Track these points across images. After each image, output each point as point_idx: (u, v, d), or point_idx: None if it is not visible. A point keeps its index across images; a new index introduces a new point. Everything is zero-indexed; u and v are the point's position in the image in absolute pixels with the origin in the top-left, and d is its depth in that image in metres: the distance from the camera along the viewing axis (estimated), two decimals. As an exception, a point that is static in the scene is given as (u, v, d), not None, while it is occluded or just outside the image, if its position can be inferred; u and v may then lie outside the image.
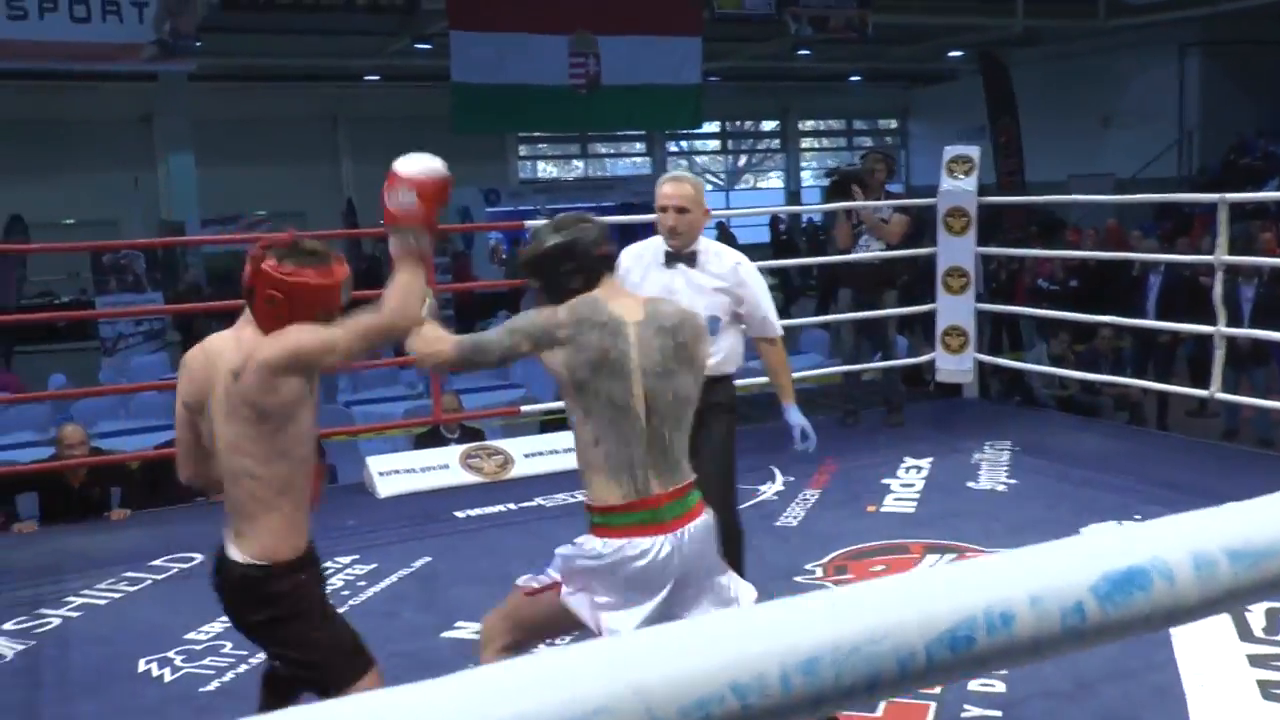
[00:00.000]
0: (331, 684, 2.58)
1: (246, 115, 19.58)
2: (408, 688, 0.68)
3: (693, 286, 3.77)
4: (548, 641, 2.94)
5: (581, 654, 0.69)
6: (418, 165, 2.64)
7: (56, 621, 4.36)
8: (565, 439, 6.24)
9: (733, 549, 3.72)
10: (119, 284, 15.88)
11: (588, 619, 2.69)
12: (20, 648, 4.12)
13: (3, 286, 15.52)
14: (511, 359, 2.86)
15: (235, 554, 2.60)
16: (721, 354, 3.76)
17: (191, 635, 4.12)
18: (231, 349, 2.59)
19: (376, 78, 20.15)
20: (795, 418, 3.89)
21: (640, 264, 3.86)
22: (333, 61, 18.62)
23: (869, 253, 6.83)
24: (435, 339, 2.73)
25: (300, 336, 2.53)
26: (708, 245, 3.89)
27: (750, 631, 0.71)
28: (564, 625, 2.81)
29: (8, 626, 4.31)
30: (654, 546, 2.62)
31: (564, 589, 2.70)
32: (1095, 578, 0.78)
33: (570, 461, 5.96)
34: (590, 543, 2.65)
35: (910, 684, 0.73)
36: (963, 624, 0.73)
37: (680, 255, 3.81)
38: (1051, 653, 0.77)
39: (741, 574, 3.55)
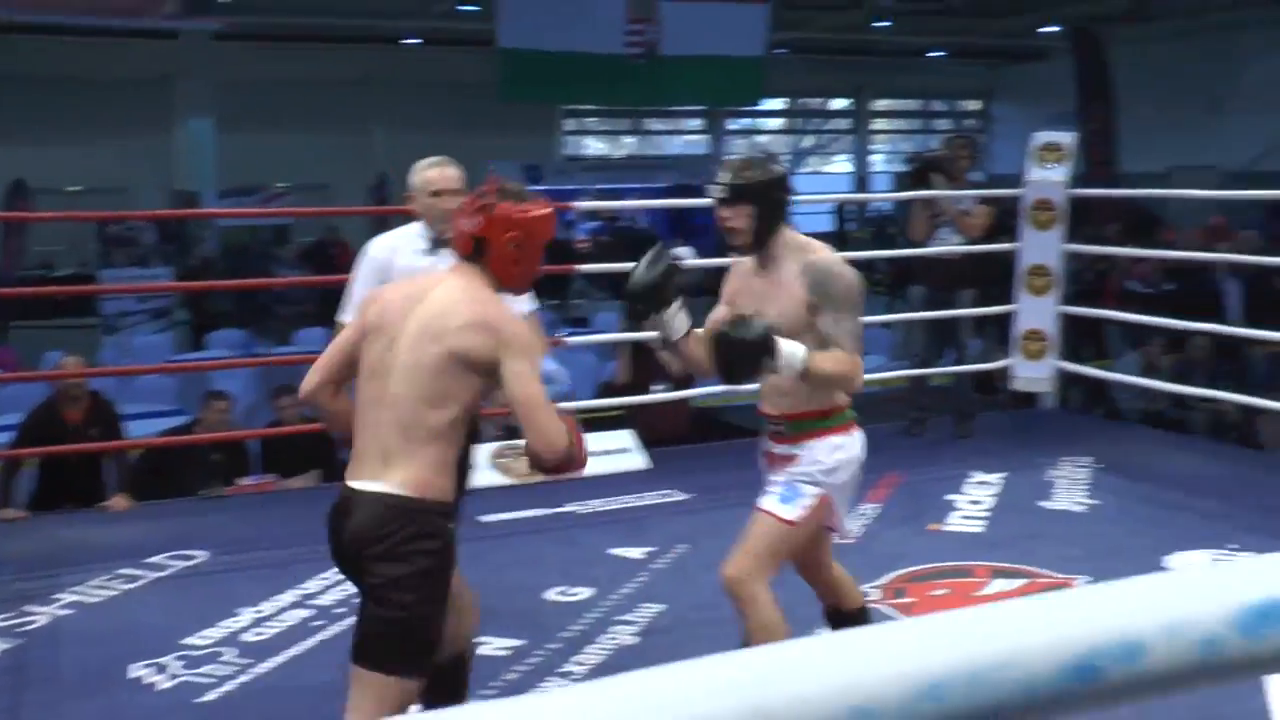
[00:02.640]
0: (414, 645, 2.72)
1: (272, 79, 19.60)
2: (513, 702, 0.72)
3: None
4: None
5: (701, 671, 0.72)
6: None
7: (45, 619, 4.37)
8: (604, 440, 6.21)
9: None
10: (125, 257, 16.04)
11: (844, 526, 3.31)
12: (5, 646, 4.13)
13: (2, 257, 15.65)
14: None
15: (381, 486, 2.73)
16: None
17: (191, 640, 4.12)
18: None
19: (417, 40, 20.19)
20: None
21: (397, 253, 3.99)
22: (370, 22, 18.66)
23: (947, 246, 6.74)
24: (850, 364, 3.16)
25: (531, 388, 2.76)
26: None
27: (878, 653, 0.74)
28: (812, 545, 3.28)
29: (-7, 621, 4.33)
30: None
31: (834, 499, 3.17)
32: (1233, 609, 0.76)
33: (606, 465, 5.99)
34: (848, 441, 3.20)
35: (1033, 714, 0.75)
36: (1093, 653, 0.72)
37: (444, 240, 3.88)
38: (1183, 687, 0.78)
39: None
